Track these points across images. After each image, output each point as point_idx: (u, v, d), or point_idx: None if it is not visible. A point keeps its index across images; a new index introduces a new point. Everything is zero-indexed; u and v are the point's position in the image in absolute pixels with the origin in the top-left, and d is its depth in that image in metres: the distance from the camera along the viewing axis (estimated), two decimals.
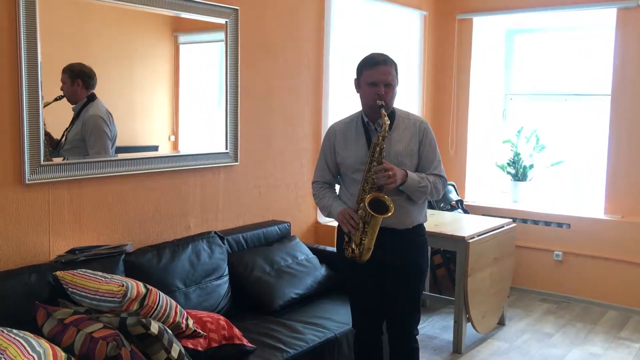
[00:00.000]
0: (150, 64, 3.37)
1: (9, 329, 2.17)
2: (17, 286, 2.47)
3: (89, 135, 3.00)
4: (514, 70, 5.75)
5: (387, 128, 2.63)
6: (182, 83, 3.55)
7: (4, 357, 2.00)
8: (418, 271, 2.88)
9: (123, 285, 2.33)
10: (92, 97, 3.00)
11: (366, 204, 2.61)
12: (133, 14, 3.18)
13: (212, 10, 3.46)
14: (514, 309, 4.79)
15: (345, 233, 2.74)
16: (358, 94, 2.81)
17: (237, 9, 3.59)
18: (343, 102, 4.58)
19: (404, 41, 5.21)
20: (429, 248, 4.69)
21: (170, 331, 2.37)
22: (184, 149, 3.53)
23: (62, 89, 2.89)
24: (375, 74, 2.69)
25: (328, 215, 2.88)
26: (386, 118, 2.64)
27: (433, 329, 4.34)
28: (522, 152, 5.48)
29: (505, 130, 5.70)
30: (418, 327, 2.96)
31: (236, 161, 3.71)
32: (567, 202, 5.38)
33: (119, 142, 3.26)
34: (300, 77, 4.16)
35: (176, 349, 2.32)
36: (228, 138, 3.66)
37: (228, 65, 3.59)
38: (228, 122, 3.65)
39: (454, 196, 5.28)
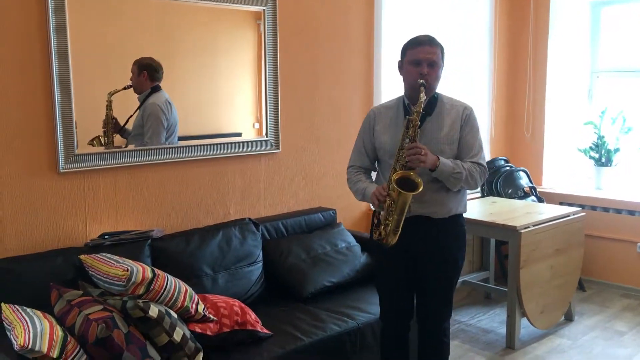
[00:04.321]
0: (234, 53, 3.50)
1: (23, 307, 2.35)
2: (45, 268, 2.64)
3: (145, 121, 3.19)
4: (601, 46, 5.29)
5: (422, 104, 2.51)
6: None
7: (12, 333, 2.17)
8: (452, 262, 2.76)
9: (127, 270, 2.43)
10: (156, 88, 3.18)
11: (393, 180, 2.50)
12: (217, 7, 3.34)
13: None
14: (588, 304, 4.45)
15: (374, 214, 2.66)
16: (401, 77, 2.73)
17: None
18: (399, 85, 4.44)
19: (471, 18, 4.95)
20: (494, 240, 4.51)
21: (175, 315, 2.44)
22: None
23: (131, 79, 3.10)
24: (419, 52, 2.61)
25: (362, 199, 2.79)
26: (423, 94, 2.52)
27: (492, 322, 4.14)
28: (607, 134, 5.04)
29: (591, 110, 5.26)
30: (450, 320, 2.86)
31: (277, 149, 3.72)
32: None
33: (205, 130, 3.44)
34: (349, 62, 4.08)
35: (179, 332, 2.38)
36: (268, 126, 3.68)
37: (266, 53, 3.60)
38: (268, 110, 3.66)
39: (525, 182, 4.97)
